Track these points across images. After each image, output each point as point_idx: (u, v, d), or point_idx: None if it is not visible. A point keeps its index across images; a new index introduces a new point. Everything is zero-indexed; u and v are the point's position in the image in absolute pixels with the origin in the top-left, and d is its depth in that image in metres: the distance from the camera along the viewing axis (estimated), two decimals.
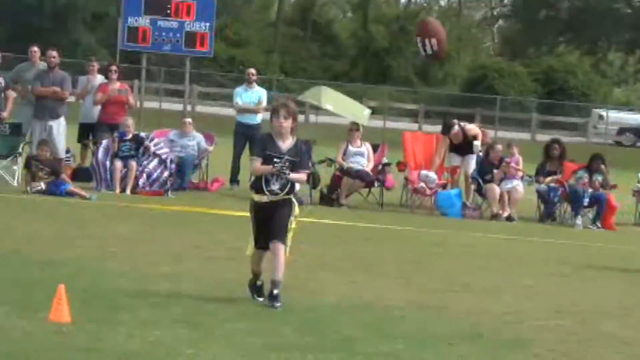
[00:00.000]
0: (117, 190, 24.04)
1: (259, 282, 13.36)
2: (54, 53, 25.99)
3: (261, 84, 30.27)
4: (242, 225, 16.43)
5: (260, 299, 13.05)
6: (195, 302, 13.15)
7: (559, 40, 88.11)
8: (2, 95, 25.81)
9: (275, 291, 12.96)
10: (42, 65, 26.88)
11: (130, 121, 25.81)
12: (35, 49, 27.18)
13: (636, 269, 19.01)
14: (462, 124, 27.53)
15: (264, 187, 12.70)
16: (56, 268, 14.45)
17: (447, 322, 12.94)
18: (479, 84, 68.81)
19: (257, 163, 12.84)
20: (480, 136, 27.41)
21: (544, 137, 51.16)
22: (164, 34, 35.49)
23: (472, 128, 27.61)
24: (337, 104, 32.87)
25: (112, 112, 25.74)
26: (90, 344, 10.37)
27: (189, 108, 51.44)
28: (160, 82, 54.91)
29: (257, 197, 12.75)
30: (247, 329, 11.54)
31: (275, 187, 12.62)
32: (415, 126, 57.82)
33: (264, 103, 27.36)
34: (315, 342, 11.35)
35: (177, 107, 50.55)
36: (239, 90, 28.34)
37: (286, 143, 12.74)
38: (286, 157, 12.66)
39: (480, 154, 26.98)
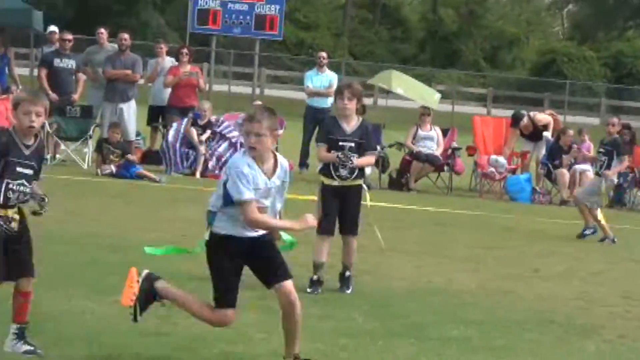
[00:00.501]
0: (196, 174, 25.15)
1: (314, 277, 12.84)
2: (126, 35, 26.09)
3: (329, 67, 30.01)
4: (310, 210, 16.44)
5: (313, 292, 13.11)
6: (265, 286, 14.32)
7: (628, 25, 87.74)
8: (73, 77, 25.85)
9: (347, 273, 12.88)
10: (112, 47, 26.99)
11: (207, 105, 25.72)
12: (102, 30, 27.21)
13: None
14: (531, 114, 27.52)
15: (333, 173, 12.52)
16: (127, 251, 14.57)
17: (518, 308, 12.84)
18: (548, 69, 68.95)
19: (322, 151, 12.73)
20: (551, 125, 27.11)
21: None
22: (234, 16, 35.43)
23: (543, 118, 27.33)
24: (407, 88, 32.86)
25: (183, 95, 25.82)
26: (160, 328, 10.47)
27: (257, 91, 51.17)
28: (230, 65, 55.08)
29: (327, 181, 12.56)
30: (318, 314, 11.55)
31: (344, 172, 12.43)
32: (483, 110, 57.40)
33: (335, 87, 26.67)
34: (385, 327, 11.35)
35: (246, 90, 50.84)
36: (310, 73, 28.29)
37: (351, 125, 12.48)
38: (349, 144, 12.23)
39: (551, 139, 26.65)
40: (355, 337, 10.61)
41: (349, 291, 12.60)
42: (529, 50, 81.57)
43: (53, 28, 27.96)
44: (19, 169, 8.90)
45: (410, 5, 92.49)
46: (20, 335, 9.14)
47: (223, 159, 24.44)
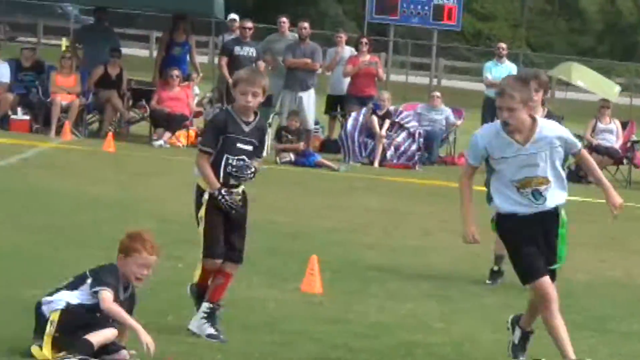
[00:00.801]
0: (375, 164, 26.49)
1: (495, 268, 12.93)
2: (306, 24, 26.84)
3: (507, 58, 30.12)
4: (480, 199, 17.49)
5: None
6: (443, 276, 13.40)
7: None
8: (254, 66, 26.59)
9: None
10: (292, 36, 27.68)
11: (386, 95, 26.45)
12: (284, 19, 27.90)
13: None
14: None
15: None
16: (307, 239, 15.11)
17: None
18: None
19: None
20: None
21: None
22: (412, 6, 36.23)
23: None
24: (587, 80, 33.45)
25: (362, 85, 26.67)
26: (340, 315, 10.72)
27: (435, 82, 51.34)
28: (407, 55, 55.44)
29: None
30: (496, 304, 11.68)
31: None
32: None
33: None
34: (566, 319, 10.92)
35: (423, 80, 51.43)
36: (489, 64, 28.91)
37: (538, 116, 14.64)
38: None
39: None
40: (536, 327, 10.54)
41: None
42: None
43: (234, 16, 28.48)
44: (238, 145, 9.19)
45: None
46: (210, 316, 9.25)
47: (401, 149, 25.25)
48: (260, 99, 9.32)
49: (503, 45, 28.75)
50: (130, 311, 8.41)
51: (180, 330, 9.27)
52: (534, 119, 8.60)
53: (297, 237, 15.37)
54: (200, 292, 9.45)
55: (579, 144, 8.76)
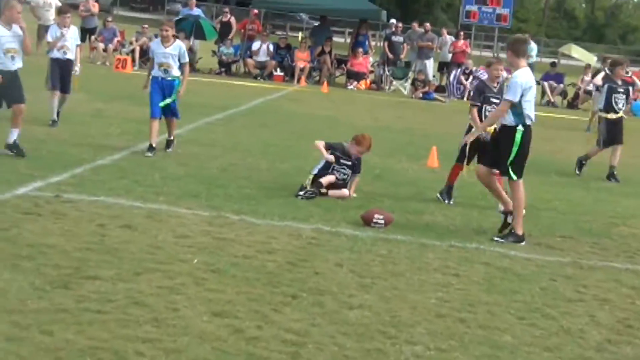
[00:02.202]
0: (463, 98, 31.31)
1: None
2: (427, 24, 35.04)
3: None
4: None
5: None
6: None
7: None
8: (401, 47, 33.44)
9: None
10: (420, 30, 34.56)
11: (469, 62, 34.42)
12: (415, 23, 35.55)
13: None
14: None
15: None
16: (431, 137, 19.33)
17: None
18: None
19: None
20: None
21: None
22: (484, 15, 44.21)
23: None
24: (578, 53, 40.69)
25: (457, 56, 34.79)
26: (444, 176, 13.34)
27: (495, 54, 55.28)
28: (481, 40, 65.66)
29: None
30: None
31: None
32: None
33: None
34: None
35: (489, 54, 59.15)
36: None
37: None
38: None
39: None
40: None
41: None
42: None
43: (393, 20, 36.66)
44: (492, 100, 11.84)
45: None
46: None
47: None
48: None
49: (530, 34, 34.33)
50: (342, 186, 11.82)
51: None
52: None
53: (425, 136, 19.58)
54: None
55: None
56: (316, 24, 39.85)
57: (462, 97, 31.51)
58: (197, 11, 32.76)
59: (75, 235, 8.56)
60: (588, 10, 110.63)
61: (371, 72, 33.48)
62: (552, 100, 33.21)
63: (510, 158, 10.21)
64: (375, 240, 9.73)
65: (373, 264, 8.81)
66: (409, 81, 32.15)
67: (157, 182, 11.64)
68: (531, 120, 10.30)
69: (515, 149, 10.23)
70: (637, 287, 8.79)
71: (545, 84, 33.86)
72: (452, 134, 20.04)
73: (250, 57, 32.41)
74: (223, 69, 31.40)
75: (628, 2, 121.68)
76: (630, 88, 17.57)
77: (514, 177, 10.25)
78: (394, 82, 32.76)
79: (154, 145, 13.49)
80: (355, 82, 32.21)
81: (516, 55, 10.53)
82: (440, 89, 32.58)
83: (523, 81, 10.24)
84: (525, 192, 10.44)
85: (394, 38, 33.86)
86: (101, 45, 30.84)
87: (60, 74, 15.54)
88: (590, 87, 31.52)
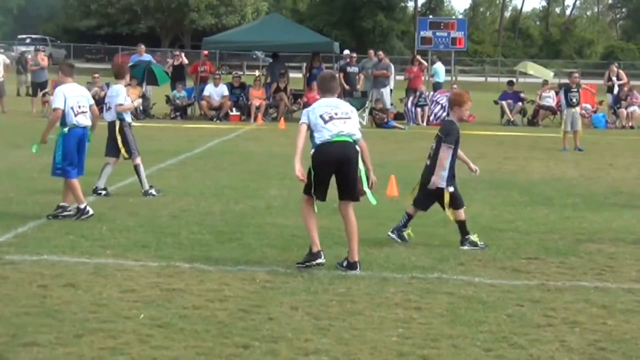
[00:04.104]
0: (420, 123, 32.12)
1: None
2: (381, 52, 35.36)
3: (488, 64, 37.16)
4: (479, 139, 23.43)
5: None
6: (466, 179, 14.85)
7: None
8: (357, 78, 33.80)
9: None
10: (375, 59, 34.65)
11: (424, 87, 35.16)
12: (371, 51, 35.73)
13: None
14: None
15: None
16: (387, 167, 19.36)
17: None
18: None
19: None
20: None
21: None
22: (439, 39, 44.68)
23: None
24: (535, 70, 40.99)
25: (414, 82, 35.53)
26: (403, 207, 12.64)
27: (453, 78, 63.00)
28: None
29: None
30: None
31: None
32: None
33: None
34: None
35: (447, 78, 57.14)
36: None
37: None
38: None
39: None
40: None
41: None
42: None
43: (347, 51, 36.93)
44: None
45: None
46: None
47: (437, 114, 33.79)
48: None
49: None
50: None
51: None
52: None
53: (381, 165, 18.67)
54: None
55: None
56: (270, 59, 38.80)
57: (422, 122, 32.93)
58: (147, 57, 32.58)
59: (13, 300, 8.17)
60: (543, 28, 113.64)
61: None
62: (512, 119, 33.50)
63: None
64: (333, 278, 9.41)
65: (331, 304, 8.45)
66: (367, 111, 32.42)
67: (105, 234, 11.21)
68: (324, 139, 10.04)
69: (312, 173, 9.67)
70: (607, 305, 8.52)
71: (504, 103, 34.06)
72: (411, 160, 20.64)
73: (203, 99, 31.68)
74: (178, 113, 31.03)
75: (581, 16, 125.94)
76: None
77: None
78: None
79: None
80: None
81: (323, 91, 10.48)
82: (399, 116, 33.28)
83: (315, 106, 10.17)
84: (356, 219, 10.40)
85: (349, 69, 34.02)
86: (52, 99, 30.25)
87: None
88: (553, 103, 33.73)
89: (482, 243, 11.14)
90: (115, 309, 7.91)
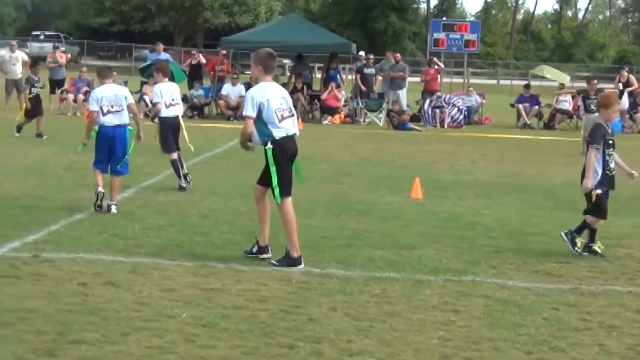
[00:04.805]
0: (437, 126, 32.01)
1: None
2: (398, 55, 35.77)
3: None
4: (497, 142, 23.14)
5: None
6: (486, 184, 17.47)
7: None
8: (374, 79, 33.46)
9: None
10: (393, 61, 35.34)
11: (439, 89, 34.76)
12: (388, 52, 36.09)
13: None
14: None
15: None
16: (409, 169, 19.19)
17: None
18: None
19: None
20: None
21: None
22: (452, 42, 44.74)
23: None
24: (552, 73, 41.33)
25: (430, 85, 35.01)
26: (434, 209, 14.24)
27: (466, 80, 62.14)
28: (451, 67, 67.19)
29: None
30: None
31: None
32: None
33: None
34: None
35: (460, 80, 60.82)
36: None
37: None
38: None
39: None
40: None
41: None
42: None
43: (362, 52, 36.46)
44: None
45: None
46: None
47: (454, 117, 33.82)
48: None
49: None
50: None
51: None
52: None
53: (404, 167, 19.45)
54: None
55: None
56: (286, 62, 38.92)
57: (439, 125, 32.90)
58: (164, 56, 32.54)
59: (56, 297, 8.23)
60: (555, 31, 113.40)
61: (345, 105, 33.67)
62: (528, 122, 33.57)
63: (274, 180, 9.92)
64: (368, 279, 9.47)
65: (368, 305, 8.52)
66: (384, 112, 32.35)
67: (138, 233, 11.27)
68: (286, 133, 10.09)
69: (273, 169, 9.86)
70: None
71: (520, 106, 34.10)
72: (431, 163, 20.88)
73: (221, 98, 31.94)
74: (195, 112, 31.07)
75: (594, 20, 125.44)
76: None
77: (279, 200, 9.90)
78: (369, 114, 32.89)
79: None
80: (330, 117, 32.38)
81: (264, 71, 10.32)
82: (416, 118, 33.22)
83: (257, 96, 10.03)
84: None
85: (366, 70, 33.97)
86: (71, 96, 30.52)
87: None
88: (570, 107, 34.47)
89: (604, 254, 11.07)
90: (157, 307, 8.04)
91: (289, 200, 9.95)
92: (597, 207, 10.77)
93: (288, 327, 7.69)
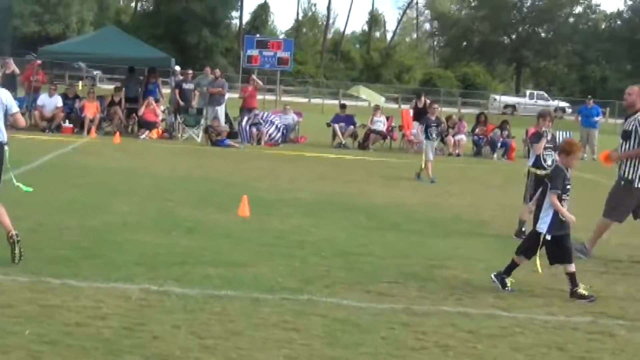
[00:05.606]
0: (254, 143, 31.61)
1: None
2: (218, 70, 36.32)
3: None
4: (314, 160, 22.71)
5: None
6: (309, 203, 17.67)
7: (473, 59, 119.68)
8: (192, 94, 33.76)
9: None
10: (211, 77, 35.19)
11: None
12: (207, 68, 37.08)
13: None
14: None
15: None
16: (233, 186, 19.16)
17: None
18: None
19: None
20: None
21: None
22: (266, 58, 45.84)
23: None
24: (367, 94, 43.40)
25: (248, 101, 35.15)
26: (260, 226, 14.27)
27: (280, 98, 62.85)
28: (264, 83, 61.74)
29: None
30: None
31: None
32: None
33: None
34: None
35: (273, 97, 61.38)
36: None
37: None
38: None
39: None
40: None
41: None
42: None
43: (177, 67, 36.32)
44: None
45: None
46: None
47: (272, 135, 33.82)
48: None
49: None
50: None
51: None
52: None
53: (227, 186, 19.73)
54: None
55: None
56: (96, 72, 38.48)
57: (255, 142, 32.97)
58: None
59: None
60: (364, 51, 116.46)
61: (162, 120, 33.58)
62: (344, 142, 33.88)
63: None
64: (207, 297, 9.55)
65: (210, 323, 8.56)
66: (202, 128, 32.24)
67: None
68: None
69: None
70: (473, 330, 8.95)
71: (336, 126, 34.51)
72: (252, 180, 20.97)
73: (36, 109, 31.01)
74: (8, 123, 30.07)
75: (402, 42, 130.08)
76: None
77: None
78: (187, 130, 32.75)
79: None
80: (147, 132, 32.06)
81: None
82: (233, 135, 33.24)
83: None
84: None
85: (185, 85, 33.99)
86: None
87: None
88: (384, 128, 35.31)
89: (593, 296, 10.70)
90: None
91: None
92: (531, 249, 10.84)
93: (133, 344, 7.60)
